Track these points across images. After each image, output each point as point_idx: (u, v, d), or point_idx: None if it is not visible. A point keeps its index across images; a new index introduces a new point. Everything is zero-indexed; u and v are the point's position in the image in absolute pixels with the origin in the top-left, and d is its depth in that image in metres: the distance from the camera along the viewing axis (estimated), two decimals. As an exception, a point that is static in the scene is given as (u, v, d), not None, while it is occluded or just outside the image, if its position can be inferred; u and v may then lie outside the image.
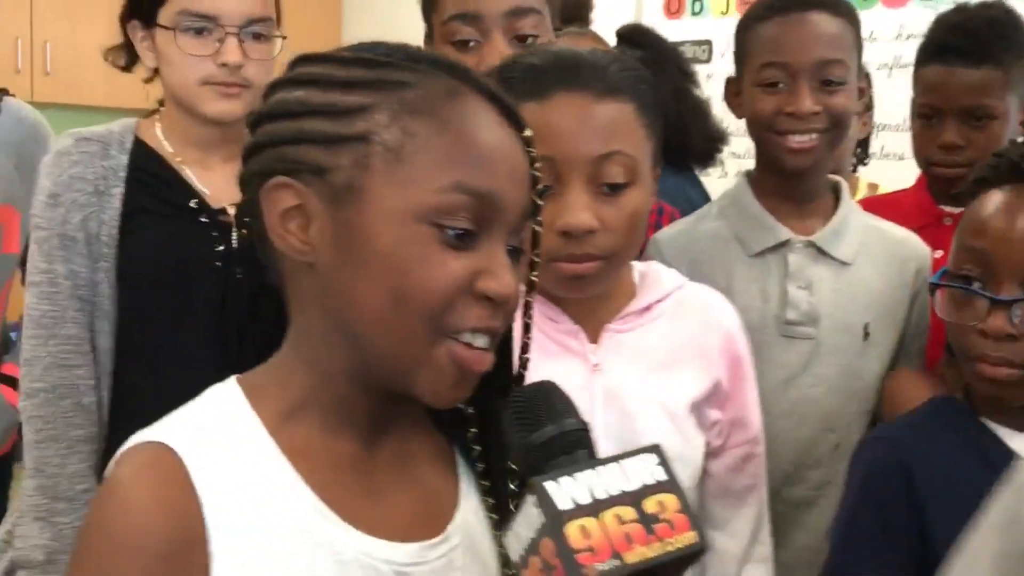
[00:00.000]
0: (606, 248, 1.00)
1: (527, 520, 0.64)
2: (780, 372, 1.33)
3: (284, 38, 1.45)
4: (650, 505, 0.63)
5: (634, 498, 0.63)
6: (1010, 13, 1.60)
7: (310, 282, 0.71)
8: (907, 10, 3.22)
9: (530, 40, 1.32)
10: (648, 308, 1.09)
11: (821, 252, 1.36)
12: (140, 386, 1.33)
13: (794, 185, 1.37)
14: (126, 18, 1.40)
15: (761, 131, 1.35)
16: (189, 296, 1.34)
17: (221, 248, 1.35)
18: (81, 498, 1.28)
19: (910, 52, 3.19)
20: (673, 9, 3.58)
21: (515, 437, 0.68)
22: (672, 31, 3.60)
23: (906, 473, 1.03)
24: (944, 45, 1.56)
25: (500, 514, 0.76)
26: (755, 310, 1.33)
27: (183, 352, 1.33)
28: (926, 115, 1.59)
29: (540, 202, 0.73)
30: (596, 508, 0.62)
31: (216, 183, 1.39)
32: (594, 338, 1.07)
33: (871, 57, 3.14)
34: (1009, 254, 1.01)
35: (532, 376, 0.99)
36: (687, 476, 1.08)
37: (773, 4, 1.33)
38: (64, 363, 1.30)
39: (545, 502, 0.62)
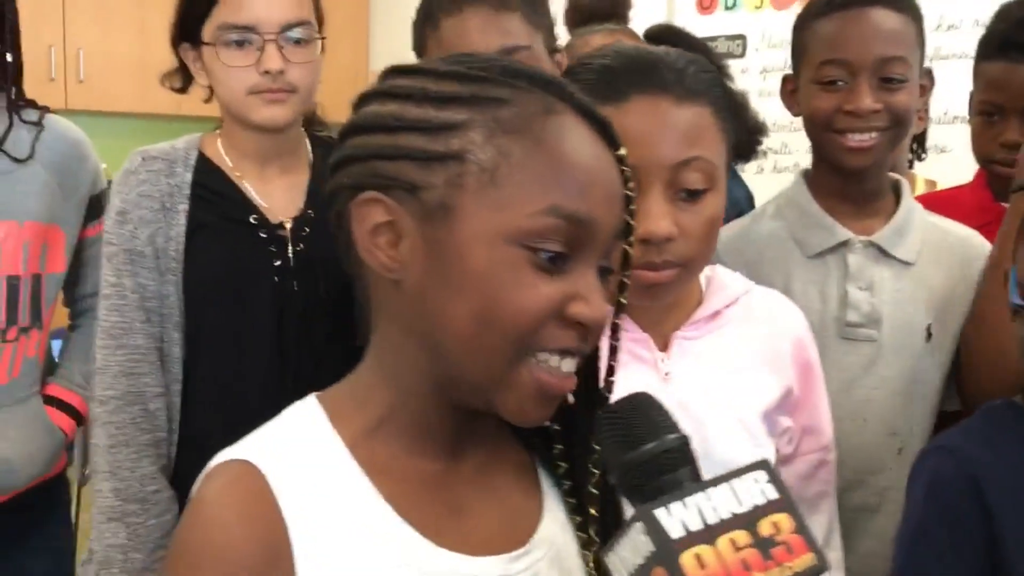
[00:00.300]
0: (684, 255, 0.98)
1: (633, 545, 0.61)
2: (841, 375, 1.30)
3: (324, 38, 1.46)
4: (764, 527, 0.60)
5: (747, 521, 0.60)
6: None
7: (395, 298, 0.71)
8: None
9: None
10: (716, 314, 1.07)
11: (882, 252, 1.33)
12: (206, 393, 1.39)
13: (853, 184, 1.34)
14: (176, 42, 1.44)
15: (820, 130, 1.32)
16: (248, 309, 1.39)
17: (279, 263, 1.40)
18: (152, 499, 1.34)
19: (950, 43, 3.13)
20: (706, 4, 3.54)
21: (613, 455, 0.65)
22: (705, 26, 3.56)
23: (974, 485, 1.00)
24: (1008, 40, 1.51)
25: (587, 532, 0.75)
26: (814, 312, 1.30)
27: (243, 362, 1.38)
28: (987, 112, 1.55)
29: (632, 222, 0.71)
30: (709, 534, 0.59)
31: (274, 196, 1.44)
32: (663, 346, 1.05)
33: None
34: None
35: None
36: None
37: (832, 1, 1.29)
38: (132, 371, 1.35)
39: (655, 530, 0.59)
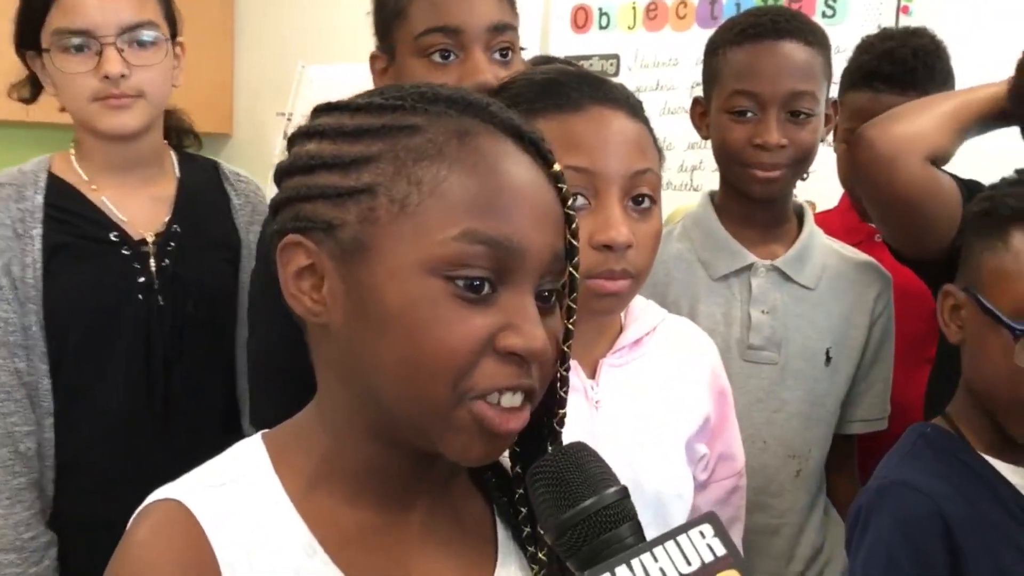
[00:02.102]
0: (638, 266, 0.97)
1: None
2: (743, 397, 1.31)
3: (179, 43, 1.41)
4: None
5: None
6: (935, 41, 1.65)
7: (326, 343, 0.67)
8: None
9: (509, 56, 1.28)
10: (638, 341, 1.06)
11: (784, 277, 1.35)
12: (78, 419, 1.33)
13: (759, 210, 1.37)
14: (19, 49, 1.37)
15: (729, 160, 1.34)
16: (114, 330, 1.33)
17: (143, 280, 1.35)
18: (29, 546, 1.27)
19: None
20: (580, 23, 3.57)
21: (549, 514, 0.61)
22: (580, 45, 3.60)
23: (943, 524, 1.01)
24: (872, 72, 1.59)
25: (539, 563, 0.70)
26: (719, 334, 1.31)
27: (112, 385, 1.33)
28: (851, 141, 1.61)
29: (575, 242, 0.66)
30: None
31: (136, 210, 1.39)
32: (589, 373, 1.03)
33: (677, 81, 3.21)
34: None
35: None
36: (682, 513, 1.05)
37: (746, 29, 1.31)
38: None
39: None
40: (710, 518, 0.60)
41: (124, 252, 1.35)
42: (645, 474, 1.00)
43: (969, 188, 1.28)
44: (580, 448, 0.64)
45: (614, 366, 1.03)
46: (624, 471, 0.97)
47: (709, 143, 1.41)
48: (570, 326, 0.68)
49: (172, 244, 1.37)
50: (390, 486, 0.68)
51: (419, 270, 0.61)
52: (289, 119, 4.03)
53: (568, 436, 0.86)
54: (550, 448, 0.69)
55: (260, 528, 0.65)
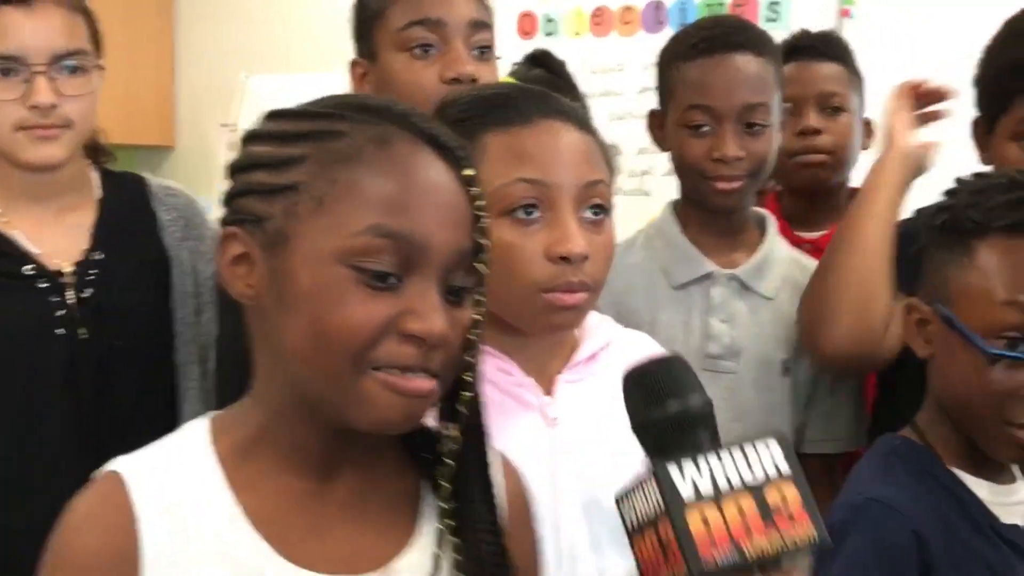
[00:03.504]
0: (595, 277, 0.96)
1: (644, 496, 0.65)
2: (703, 407, 1.30)
3: (102, 68, 1.35)
4: (772, 496, 0.63)
5: (754, 488, 0.62)
6: (839, 35, 1.80)
7: (258, 324, 0.76)
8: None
9: (487, 54, 1.29)
10: (593, 356, 1.04)
11: (744, 286, 1.35)
12: (3, 458, 1.26)
13: (721, 219, 1.37)
14: None
15: (688, 173, 1.34)
16: (36, 366, 1.27)
17: (62, 312, 1.29)
18: None
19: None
20: (527, 30, 3.56)
21: (637, 411, 0.69)
22: (525, 51, 3.60)
23: (918, 542, 1.00)
24: (795, 46, 1.66)
25: (468, 557, 0.75)
26: (678, 343, 1.31)
27: (37, 423, 1.26)
28: (785, 110, 1.63)
29: (483, 241, 0.73)
30: (718, 497, 0.62)
31: (51, 240, 1.32)
32: (545, 390, 1.01)
33: (625, 86, 3.24)
34: None
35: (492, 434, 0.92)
36: None
37: (698, 44, 1.32)
38: None
39: (666, 486, 0.62)
40: (779, 436, 0.66)
41: (40, 285, 1.28)
42: (604, 490, 0.98)
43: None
44: (677, 359, 0.71)
45: (570, 382, 1.02)
46: (582, 488, 0.98)
47: (658, 148, 1.42)
48: (477, 316, 0.74)
49: (94, 272, 1.31)
50: (315, 458, 0.75)
51: (330, 259, 0.70)
52: (233, 130, 3.96)
53: (526, 454, 0.91)
54: (452, 432, 0.76)
55: (186, 494, 0.73)
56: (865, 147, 1.72)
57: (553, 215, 0.93)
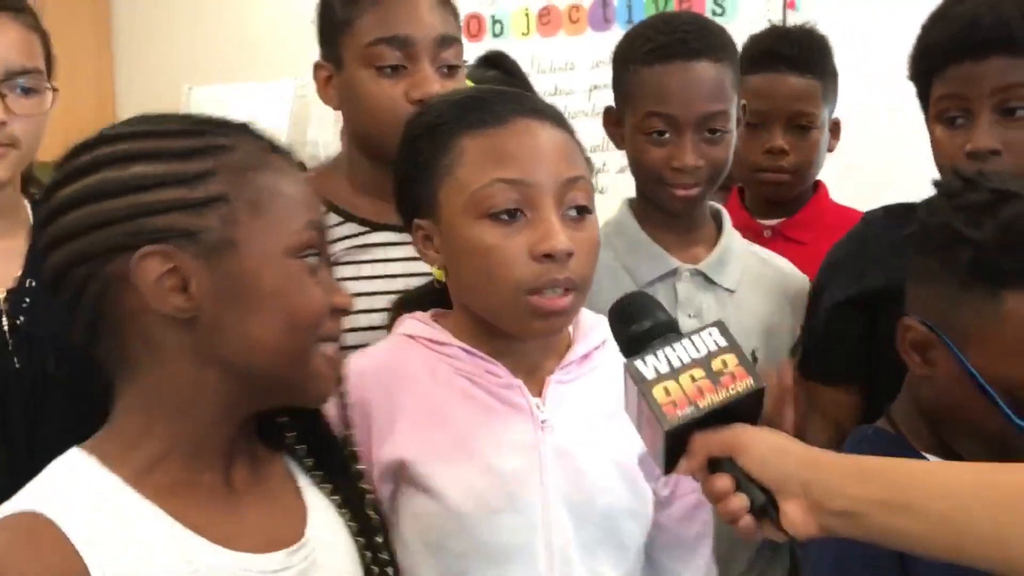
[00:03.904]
0: (581, 274, 0.95)
1: (631, 394, 0.84)
2: (675, 403, 1.29)
3: (55, 90, 1.30)
4: (716, 364, 0.81)
5: (702, 362, 0.82)
6: (822, 34, 1.71)
7: (182, 337, 0.78)
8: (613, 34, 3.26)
9: (453, 71, 1.27)
10: (587, 356, 1.03)
11: (707, 280, 1.35)
12: None
13: (679, 219, 1.37)
14: None
15: (646, 179, 1.33)
16: None
17: None
18: None
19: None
20: (473, 31, 3.54)
21: (622, 331, 0.86)
22: (474, 53, 3.57)
23: None
24: (771, 53, 1.63)
25: (349, 508, 0.88)
26: None
27: None
28: (752, 123, 1.63)
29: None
30: (674, 373, 0.81)
31: None
32: (536, 391, 1.00)
33: (574, 85, 3.22)
34: None
35: (478, 438, 0.97)
36: (641, 530, 1.03)
37: (655, 49, 1.30)
38: None
39: (636, 376, 0.82)
40: (718, 323, 0.84)
41: None
42: (595, 493, 0.98)
43: None
44: (640, 294, 0.93)
45: (562, 382, 1.01)
46: (573, 491, 0.97)
47: (612, 145, 1.40)
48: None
49: (27, 301, 1.25)
50: (219, 455, 0.82)
51: (283, 254, 0.79)
52: (177, 143, 3.88)
53: (514, 457, 0.96)
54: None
55: (113, 519, 0.74)
56: (831, 148, 1.71)
57: (535, 214, 0.93)
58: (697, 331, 0.83)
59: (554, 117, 0.98)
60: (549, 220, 0.92)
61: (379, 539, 0.90)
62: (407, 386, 0.98)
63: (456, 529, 0.94)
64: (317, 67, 1.30)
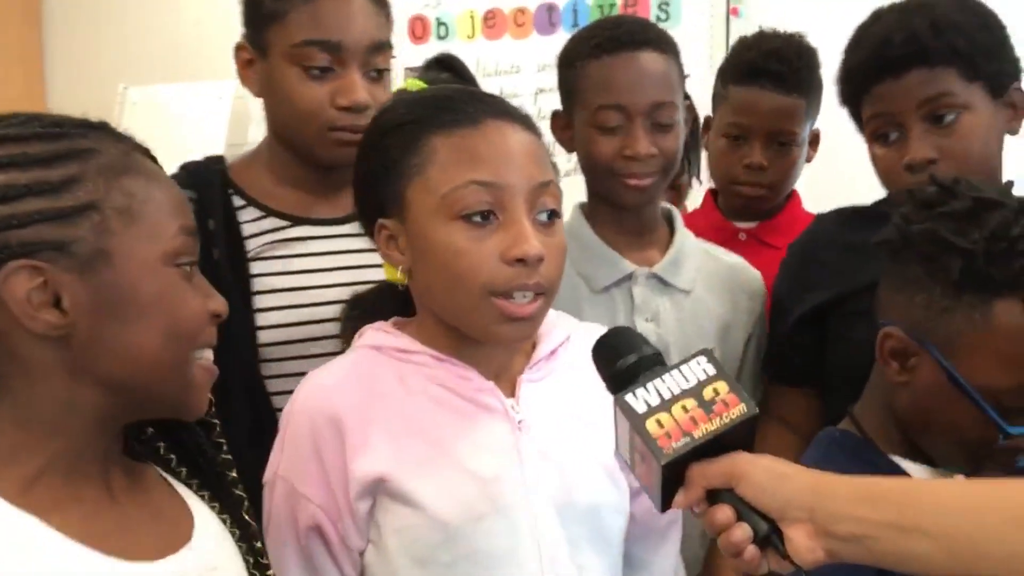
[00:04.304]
0: (550, 279, 0.94)
1: (623, 430, 0.82)
2: (634, 406, 1.29)
3: None
4: (707, 393, 0.80)
5: (694, 391, 0.80)
6: (811, 47, 1.69)
7: (55, 354, 0.75)
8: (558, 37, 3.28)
9: (382, 75, 1.26)
10: (553, 352, 1.03)
11: (662, 282, 1.34)
12: None
13: (632, 217, 1.36)
14: None
15: (599, 173, 1.32)
16: None
17: None
18: None
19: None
20: (419, 34, 3.51)
21: (606, 368, 0.85)
22: (418, 55, 3.53)
23: None
24: (758, 68, 1.61)
25: (229, 515, 0.87)
26: None
27: None
28: (733, 135, 1.63)
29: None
30: (666, 405, 0.80)
31: None
32: (508, 391, 0.99)
33: (520, 88, 3.22)
34: None
35: (455, 445, 0.95)
36: (620, 526, 1.02)
37: (602, 43, 1.29)
38: None
39: (627, 411, 0.80)
40: (705, 351, 0.83)
41: None
42: (577, 489, 0.97)
43: None
44: (625, 328, 0.90)
45: (533, 381, 1.00)
46: (555, 488, 0.96)
47: (561, 148, 1.39)
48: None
49: None
50: (96, 467, 0.79)
51: (160, 262, 0.77)
52: (112, 145, 3.78)
53: (495, 460, 0.96)
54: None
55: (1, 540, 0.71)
56: (809, 159, 1.71)
57: (507, 217, 0.92)
58: (685, 361, 0.82)
59: (523, 120, 0.97)
60: (521, 224, 0.91)
61: (258, 544, 0.89)
62: (379, 399, 0.96)
63: (443, 540, 0.93)
64: (239, 48, 1.27)
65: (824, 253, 1.36)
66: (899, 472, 1.04)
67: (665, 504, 0.82)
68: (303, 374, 1.28)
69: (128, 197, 0.76)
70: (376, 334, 1.01)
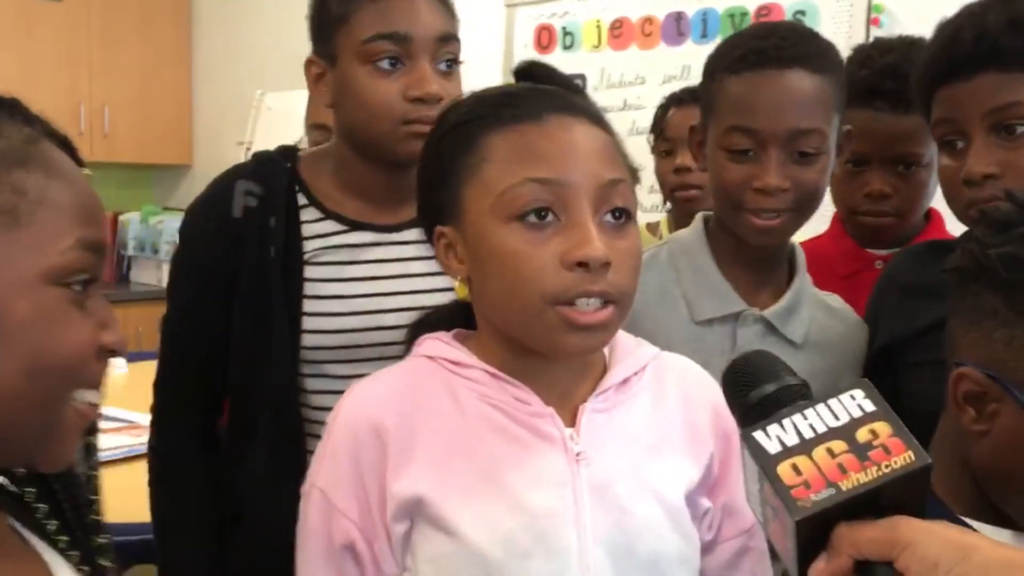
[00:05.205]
0: (620, 287, 0.85)
1: (751, 475, 0.67)
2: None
3: None
4: (862, 435, 0.64)
5: (843, 431, 0.64)
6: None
7: None
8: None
9: (453, 67, 1.23)
10: (626, 382, 0.94)
11: (771, 329, 1.21)
12: None
13: (758, 252, 1.22)
14: None
15: (726, 203, 1.19)
16: None
17: None
18: None
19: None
20: (544, 43, 3.49)
21: (737, 397, 0.71)
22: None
23: None
24: (872, 89, 1.47)
25: (88, 564, 0.75)
26: None
27: None
28: (855, 160, 1.51)
29: (103, 236, 0.71)
30: (806, 447, 0.64)
31: None
32: (570, 420, 0.91)
33: (645, 100, 3.09)
34: None
35: (504, 473, 0.87)
36: None
37: (746, 55, 1.16)
38: None
39: (756, 451, 0.65)
40: (862, 383, 0.67)
41: None
42: (638, 535, 0.88)
43: None
44: (765, 352, 0.73)
45: (598, 411, 0.91)
46: (612, 532, 0.88)
47: (696, 166, 1.29)
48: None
49: None
50: None
51: (42, 280, 0.64)
52: (248, 148, 3.92)
53: (548, 494, 0.87)
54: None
55: None
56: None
57: (568, 218, 0.83)
58: (834, 394, 0.66)
59: (593, 115, 0.89)
60: (584, 225, 0.83)
61: None
62: (426, 413, 0.90)
63: (481, 575, 0.86)
64: (308, 63, 1.26)
65: (885, 293, 1.24)
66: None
67: (801, 572, 0.66)
68: (341, 377, 1.23)
69: (17, 195, 0.64)
70: (433, 343, 0.95)
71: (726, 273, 1.22)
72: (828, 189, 1.57)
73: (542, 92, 0.91)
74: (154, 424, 1.33)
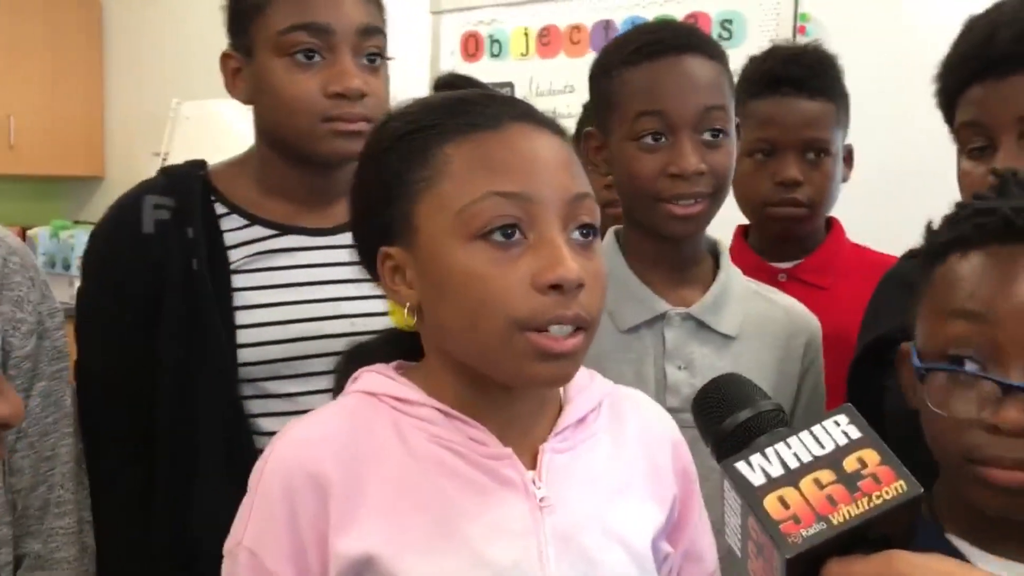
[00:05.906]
0: (591, 310, 0.77)
1: (730, 506, 0.64)
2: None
3: None
4: (850, 464, 0.62)
5: (830, 460, 0.62)
6: (830, 53, 1.56)
7: None
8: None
9: (377, 62, 1.16)
10: (583, 420, 0.86)
11: (701, 325, 1.17)
12: None
13: (672, 249, 1.19)
14: None
15: (640, 196, 1.15)
16: None
17: None
18: None
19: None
20: (471, 51, 3.42)
21: (710, 425, 0.69)
22: (471, 73, 3.45)
23: None
24: (778, 77, 1.48)
25: None
26: None
27: None
28: (762, 150, 1.48)
29: None
30: (792, 478, 0.62)
31: None
32: (529, 462, 0.82)
33: (575, 108, 3.10)
34: (1018, 329, 0.76)
35: (463, 523, 0.79)
36: None
37: (642, 47, 1.14)
38: None
39: (739, 483, 0.63)
40: (846, 409, 0.65)
41: None
42: None
43: None
44: (738, 376, 0.73)
45: (559, 451, 0.83)
46: None
47: (595, 173, 1.23)
48: None
49: None
50: None
51: None
52: (165, 158, 3.76)
53: (510, 541, 0.80)
54: None
55: None
56: (845, 179, 1.56)
57: (537, 236, 0.76)
58: (819, 420, 0.64)
59: (552, 125, 0.82)
60: (555, 243, 0.76)
61: None
62: (372, 458, 0.80)
63: None
64: (225, 57, 1.19)
65: (887, 288, 1.19)
66: (957, 556, 0.84)
67: None
68: (286, 396, 1.15)
69: None
70: (373, 377, 0.85)
71: (644, 277, 1.19)
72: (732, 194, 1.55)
73: (499, 98, 0.83)
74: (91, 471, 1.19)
